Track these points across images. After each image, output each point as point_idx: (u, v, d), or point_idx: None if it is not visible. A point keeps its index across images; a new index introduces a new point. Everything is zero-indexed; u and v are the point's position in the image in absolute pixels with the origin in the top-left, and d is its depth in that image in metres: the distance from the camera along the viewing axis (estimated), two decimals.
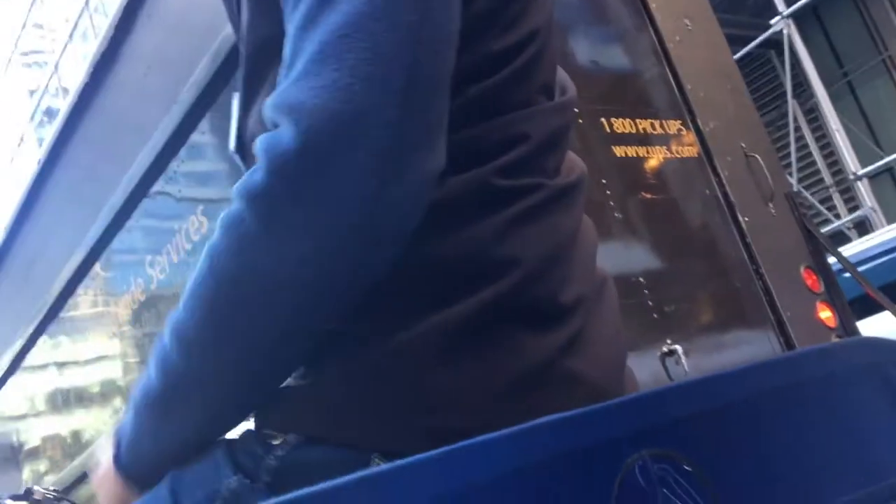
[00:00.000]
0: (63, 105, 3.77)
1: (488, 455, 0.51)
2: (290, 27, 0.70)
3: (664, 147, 2.85)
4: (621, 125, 2.77)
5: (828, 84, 10.41)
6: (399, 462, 0.49)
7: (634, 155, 2.75)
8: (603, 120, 2.72)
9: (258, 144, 0.67)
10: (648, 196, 2.71)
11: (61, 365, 4.13)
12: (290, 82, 0.67)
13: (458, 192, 0.72)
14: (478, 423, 0.58)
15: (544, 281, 0.74)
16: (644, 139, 2.80)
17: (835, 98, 10.47)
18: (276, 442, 0.72)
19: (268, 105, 0.68)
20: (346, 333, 0.72)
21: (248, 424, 0.77)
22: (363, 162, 0.63)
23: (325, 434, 0.70)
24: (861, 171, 10.21)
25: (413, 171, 0.66)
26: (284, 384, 0.75)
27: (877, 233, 6.48)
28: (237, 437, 0.75)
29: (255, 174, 0.67)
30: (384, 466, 0.48)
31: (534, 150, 0.77)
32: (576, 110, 0.90)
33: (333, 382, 0.71)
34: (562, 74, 0.93)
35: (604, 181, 2.58)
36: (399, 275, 0.71)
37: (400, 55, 0.65)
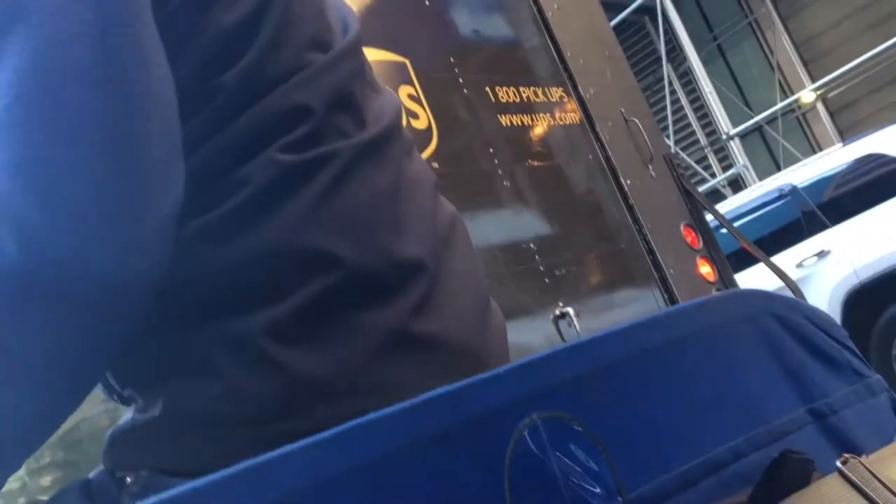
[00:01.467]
0: None
1: (375, 435, 0.50)
2: None
3: (548, 114, 2.90)
4: (505, 94, 2.79)
5: (699, 48, 10.82)
6: (278, 451, 0.47)
7: (520, 123, 2.78)
8: (487, 89, 2.74)
9: None
10: (535, 163, 2.75)
11: None
12: None
13: (250, 185, 0.67)
14: (330, 417, 0.55)
15: (371, 253, 0.69)
16: (528, 107, 2.84)
17: (706, 61, 10.91)
18: (129, 480, 0.68)
19: None
20: (166, 359, 0.68)
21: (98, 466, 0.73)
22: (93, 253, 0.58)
23: (175, 465, 0.66)
24: (733, 131, 10.70)
25: (150, 221, 0.61)
26: (127, 422, 0.71)
27: (749, 189, 6.82)
28: (92, 478, 0.71)
29: None
30: (261, 458, 0.46)
31: (318, 116, 0.71)
32: (362, 49, 0.82)
33: (170, 411, 0.67)
34: (341, 11, 0.85)
35: (491, 150, 2.61)
36: (209, 284, 0.66)
37: (90, 105, 0.59)
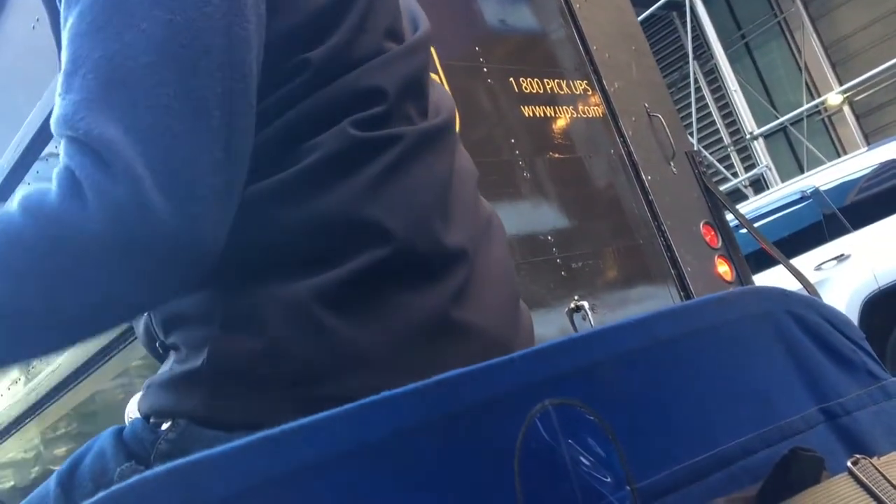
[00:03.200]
0: None
1: (388, 412, 0.51)
2: (78, 24, 0.63)
3: (571, 107, 2.89)
4: (529, 85, 2.79)
5: (726, 46, 10.73)
6: (300, 421, 0.48)
7: (542, 115, 2.77)
8: (511, 80, 2.73)
9: (56, 171, 0.62)
10: (556, 155, 2.74)
11: None
12: (80, 99, 0.61)
13: (320, 152, 0.70)
14: (367, 388, 0.56)
15: (422, 235, 0.72)
16: (551, 99, 2.83)
17: (733, 59, 10.82)
18: (165, 426, 0.70)
19: (55, 118, 0.62)
20: (217, 311, 0.70)
21: (134, 414, 0.75)
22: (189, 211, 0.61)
23: (212, 415, 0.68)
24: (757, 131, 10.61)
25: (232, 210, 0.65)
26: (166, 371, 0.73)
27: (771, 190, 6.77)
28: (125, 427, 0.73)
29: (78, 204, 0.60)
30: (284, 427, 0.47)
31: (391, 99, 0.74)
32: (430, 47, 0.87)
33: (215, 363, 0.69)
34: (412, 10, 0.90)
35: (513, 140, 2.60)
36: (267, 244, 0.69)
37: (214, 89, 0.62)
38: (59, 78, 0.64)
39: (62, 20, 0.66)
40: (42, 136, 2.73)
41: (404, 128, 0.75)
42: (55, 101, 0.64)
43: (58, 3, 0.69)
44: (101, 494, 0.42)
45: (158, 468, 0.43)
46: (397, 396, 0.51)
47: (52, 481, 0.73)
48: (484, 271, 0.78)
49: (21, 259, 0.61)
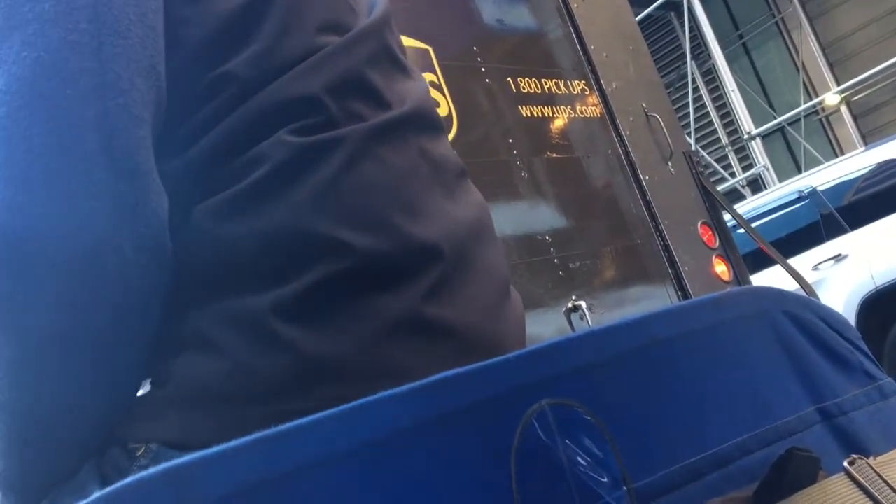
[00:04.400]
0: None
1: (384, 412, 0.51)
2: None
3: (569, 107, 2.89)
4: (527, 85, 2.79)
5: (724, 46, 10.75)
6: (296, 422, 0.48)
7: (540, 115, 2.78)
8: (509, 80, 2.73)
9: None
10: (554, 155, 2.75)
11: None
12: None
13: (260, 164, 0.68)
14: (335, 397, 0.55)
15: (382, 236, 0.69)
16: (549, 99, 2.84)
17: (730, 59, 10.84)
18: (139, 452, 0.69)
19: None
20: (181, 333, 0.69)
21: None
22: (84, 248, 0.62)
23: (185, 437, 0.67)
24: (755, 131, 10.63)
25: (140, 225, 0.64)
26: (142, 395, 0.72)
27: (769, 190, 6.77)
28: (103, 452, 0.73)
29: None
30: (279, 428, 0.47)
31: (326, 102, 0.71)
32: (386, 31, 0.82)
33: (182, 385, 0.68)
34: None
35: (510, 140, 2.60)
36: (219, 263, 0.68)
37: (86, 115, 0.62)
38: None
39: None
40: None
41: (348, 128, 0.71)
42: None
43: None
44: (97, 494, 0.42)
45: (154, 468, 0.43)
46: (393, 396, 0.51)
47: None
48: (466, 266, 0.74)
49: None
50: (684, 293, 2.79)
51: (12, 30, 0.63)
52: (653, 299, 2.77)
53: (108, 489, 0.42)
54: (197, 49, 0.70)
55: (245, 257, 0.68)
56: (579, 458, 0.57)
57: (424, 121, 0.80)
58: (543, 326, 2.37)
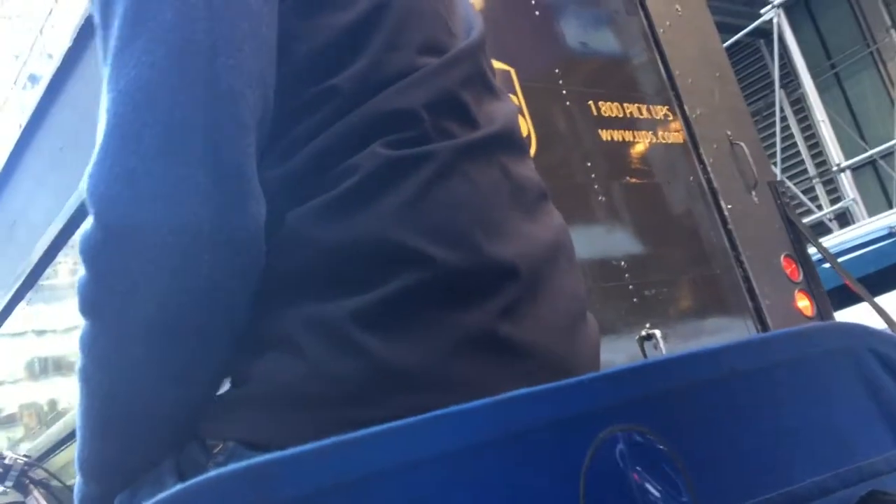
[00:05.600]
0: (47, 70, 3.71)
1: (459, 426, 0.51)
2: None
3: (650, 132, 2.86)
4: (608, 109, 2.77)
5: (815, 75, 10.46)
6: (372, 429, 0.49)
7: (620, 139, 2.75)
8: (590, 103, 2.72)
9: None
10: (633, 180, 2.72)
11: (40, 332, 4.10)
12: (94, 162, 0.67)
13: (353, 175, 0.71)
14: (410, 407, 0.57)
15: (463, 252, 0.71)
16: (630, 123, 2.81)
17: (821, 89, 10.53)
18: (216, 449, 0.71)
19: (86, 177, 0.68)
20: (265, 334, 0.72)
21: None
22: (177, 242, 0.65)
23: (260, 437, 0.69)
24: (844, 163, 10.29)
25: (237, 228, 0.67)
26: (224, 393, 0.75)
27: (857, 224, 6.54)
28: (184, 449, 0.75)
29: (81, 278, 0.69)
30: (356, 433, 0.48)
31: (423, 118, 0.73)
32: (480, 54, 0.85)
33: (262, 385, 0.70)
34: (468, 15, 0.89)
35: (589, 164, 2.59)
36: (305, 268, 0.71)
37: (195, 121, 0.66)
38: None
39: None
40: None
41: (439, 144, 0.74)
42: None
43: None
44: (178, 486, 0.44)
45: (233, 465, 0.44)
46: (468, 410, 0.52)
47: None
48: (542, 287, 0.75)
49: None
50: (764, 327, 2.72)
51: (136, 36, 0.67)
52: (730, 332, 2.70)
53: (189, 482, 0.44)
54: (305, 62, 0.74)
55: (330, 264, 0.70)
56: (649, 486, 0.56)
57: (510, 142, 0.82)
58: (615, 354, 2.34)
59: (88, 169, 0.68)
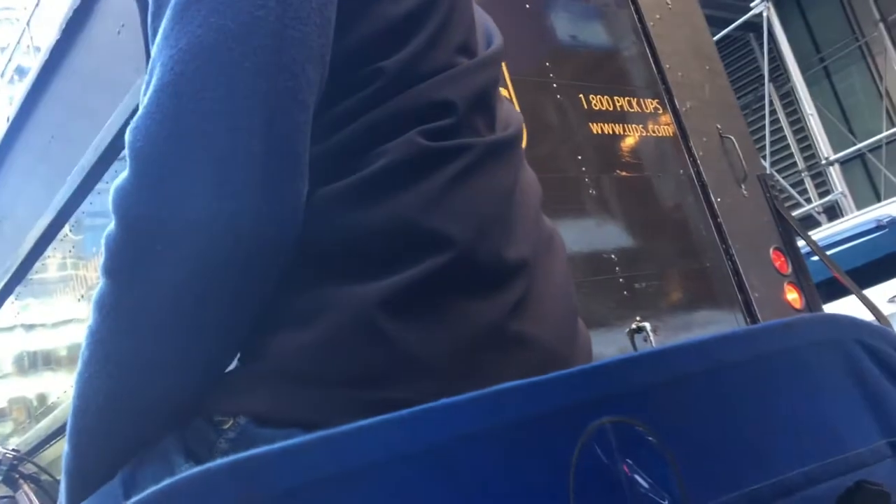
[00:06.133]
0: (34, 63, 3.69)
1: (448, 418, 0.51)
2: (159, 31, 0.69)
3: (640, 125, 2.86)
4: (599, 102, 2.77)
5: (804, 69, 10.49)
6: (361, 422, 0.49)
7: (611, 132, 2.75)
8: (581, 96, 2.72)
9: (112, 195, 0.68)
10: (623, 174, 2.72)
11: (29, 327, 4.08)
12: (142, 115, 0.66)
13: (387, 159, 0.72)
14: (425, 394, 0.57)
15: (484, 245, 0.73)
16: (621, 117, 2.81)
17: (810, 83, 10.57)
18: (226, 426, 0.71)
19: (128, 130, 0.67)
20: (282, 312, 0.72)
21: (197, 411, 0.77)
22: (225, 208, 0.65)
23: (274, 414, 0.69)
24: (833, 157, 10.33)
25: (280, 202, 0.67)
26: (231, 368, 0.75)
27: (846, 217, 6.57)
28: (188, 426, 0.75)
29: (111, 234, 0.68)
30: (345, 427, 0.48)
31: (460, 112, 0.76)
32: (502, 63, 0.89)
33: (277, 362, 0.71)
34: (487, 25, 0.92)
35: (580, 157, 2.59)
36: (331, 247, 0.71)
37: (257, 89, 0.65)
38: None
39: (152, 30, 0.71)
40: (122, 136, 2.83)
41: (472, 139, 0.76)
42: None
43: (148, 14, 0.73)
44: (166, 481, 0.44)
45: (221, 460, 0.44)
46: (457, 403, 0.52)
47: (116, 481, 0.75)
48: (543, 286, 0.78)
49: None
50: (753, 319, 2.73)
51: None
52: (720, 324, 2.71)
53: (177, 477, 0.44)
54: (358, 43, 0.74)
55: (355, 245, 0.71)
56: (639, 478, 0.56)
57: (520, 146, 0.85)
58: (606, 346, 2.34)
59: (135, 121, 0.67)
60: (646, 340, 2.42)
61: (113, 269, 0.68)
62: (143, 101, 0.67)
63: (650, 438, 0.58)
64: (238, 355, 0.76)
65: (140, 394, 0.71)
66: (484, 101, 0.80)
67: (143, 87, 0.69)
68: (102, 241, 0.68)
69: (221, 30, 0.65)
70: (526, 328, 0.73)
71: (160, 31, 0.69)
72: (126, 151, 0.67)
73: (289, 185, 0.68)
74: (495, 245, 0.74)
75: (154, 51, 0.69)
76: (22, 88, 3.66)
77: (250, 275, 0.68)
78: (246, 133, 0.65)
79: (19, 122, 3.59)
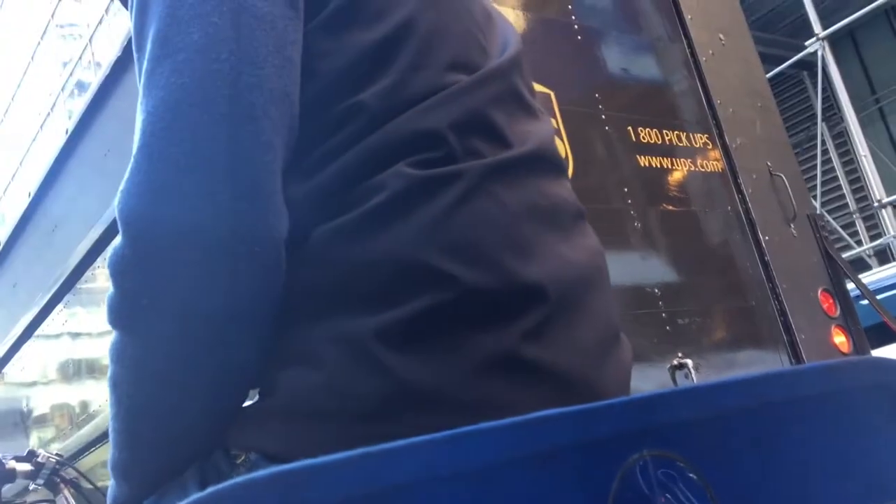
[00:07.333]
0: (94, 78, 3.80)
1: (486, 443, 0.51)
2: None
3: (689, 160, 2.84)
4: (647, 135, 2.76)
5: (858, 109, 10.33)
6: (398, 442, 0.49)
7: (658, 166, 2.74)
8: (629, 128, 2.71)
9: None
10: (670, 208, 2.70)
11: (75, 335, 4.16)
12: (125, 179, 0.70)
13: (378, 193, 0.71)
14: (430, 426, 0.56)
15: (490, 273, 0.70)
16: (669, 150, 2.79)
17: (864, 123, 10.39)
18: (238, 460, 0.72)
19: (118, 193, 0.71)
20: (289, 348, 0.73)
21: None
22: (206, 252, 0.67)
23: (281, 450, 0.69)
24: (886, 199, 10.12)
25: (256, 241, 0.69)
26: (250, 403, 0.76)
27: None
28: (208, 456, 0.76)
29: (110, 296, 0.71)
30: (382, 446, 0.48)
31: (449, 138, 0.74)
32: (515, 70, 0.85)
33: (285, 399, 0.71)
34: (504, 32, 0.89)
35: (626, 189, 2.58)
36: (330, 283, 0.71)
37: (218, 138, 0.68)
38: None
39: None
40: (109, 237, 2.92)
41: (467, 164, 0.73)
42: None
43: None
44: (207, 491, 0.44)
45: (262, 471, 0.45)
46: (496, 428, 0.51)
47: None
48: (572, 310, 0.74)
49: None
50: (799, 361, 2.67)
51: (165, 57, 0.70)
52: (764, 364, 2.66)
53: (218, 486, 0.44)
54: (333, 79, 0.75)
55: (354, 281, 0.71)
56: None
57: (545, 162, 0.82)
58: (646, 381, 2.31)
59: (121, 186, 0.70)
60: (687, 377, 2.38)
61: (114, 323, 0.72)
62: (129, 167, 0.71)
63: (691, 474, 0.57)
64: (258, 390, 0.77)
65: (154, 434, 0.74)
66: (483, 121, 0.77)
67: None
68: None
69: (182, 88, 0.69)
70: (544, 354, 0.70)
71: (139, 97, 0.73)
72: (116, 214, 0.70)
73: (262, 224, 0.69)
74: (503, 269, 0.71)
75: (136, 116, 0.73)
76: (81, 103, 3.77)
77: (241, 318, 0.70)
78: (213, 183, 0.67)
79: (77, 135, 3.70)
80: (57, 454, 1.25)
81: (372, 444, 0.51)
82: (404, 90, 0.75)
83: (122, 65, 3.20)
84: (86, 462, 3.24)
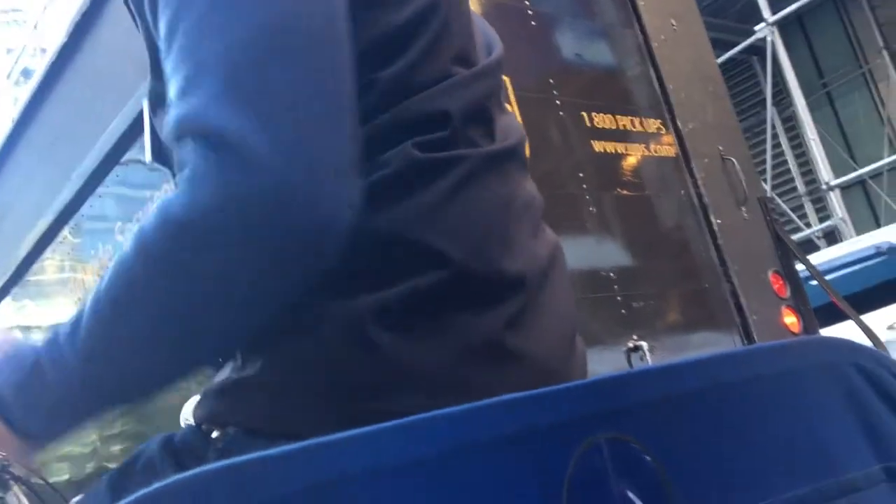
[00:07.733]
0: (40, 65, 3.70)
1: (441, 430, 0.51)
2: (182, 27, 0.66)
3: (642, 145, 2.87)
4: (601, 120, 2.78)
5: (807, 94, 10.52)
6: (353, 431, 0.49)
7: (613, 151, 2.76)
8: (583, 114, 2.73)
9: (180, 176, 0.64)
10: (624, 192, 2.72)
11: (25, 329, 4.08)
12: (213, 94, 0.63)
13: (382, 171, 0.71)
14: (416, 406, 0.57)
15: (480, 259, 0.72)
16: (623, 136, 2.82)
17: (813, 108, 10.59)
18: (215, 435, 0.71)
19: (178, 118, 0.64)
20: (276, 323, 0.70)
21: (189, 419, 0.76)
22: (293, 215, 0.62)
23: (263, 425, 0.69)
24: (834, 182, 10.35)
25: (339, 200, 0.64)
26: (223, 378, 0.74)
27: (845, 243, 6.58)
28: (177, 434, 0.74)
29: (180, 207, 0.63)
30: (337, 435, 0.48)
31: (455, 123, 0.75)
32: (501, 72, 0.88)
33: (268, 373, 0.70)
34: (488, 34, 0.91)
35: (580, 174, 2.59)
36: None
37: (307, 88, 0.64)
38: (172, 81, 0.65)
39: (158, 26, 0.69)
40: (125, 141, 2.84)
41: (468, 150, 0.75)
42: (174, 103, 0.65)
43: (147, 13, 0.72)
44: (159, 483, 0.44)
45: (213, 465, 0.44)
46: (451, 414, 0.51)
47: (103, 484, 0.75)
48: (542, 301, 0.77)
49: (159, 273, 0.65)
50: (751, 342, 2.72)
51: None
52: (718, 345, 2.71)
53: (168, 481, 0.44)
54: (358, 51, 0.73)
55: (351, 258, 0.69)
56: (632, 495, 0.56)
57: (521, 158, 0.84)
58: (602, 365, 2.34)
59: (187, 104, 0.63)
60: (642, 360, 2.41)
61: (160, 244, 0.65)
62: (190, 91, 0.63)
63: (645, 456, 0.58)
64: (232, 363, 0.75)
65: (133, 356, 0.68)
66: (481, 112, 0.80)
67: (177, 81, 0.65)
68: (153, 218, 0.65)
69: (277, 14, 0.64)
70: (522, 343, 0.73)
71: (188, 23, 0.66)
72: (189, 136, 0.63)
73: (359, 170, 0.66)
74: (492, 258, 0.73)
75: (186, 44, 0.65)
76: (27, 90, 3.67)
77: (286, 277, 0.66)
78: (334, 118, 0.64)
79: (23, 123, 3.59)
80: (2, 454, 1.22)
81: (357, 422, 0.51)
82: (416, 74, 0.75)
83: (69, 51, 3.12)
84: (36, 458, 3.17)
